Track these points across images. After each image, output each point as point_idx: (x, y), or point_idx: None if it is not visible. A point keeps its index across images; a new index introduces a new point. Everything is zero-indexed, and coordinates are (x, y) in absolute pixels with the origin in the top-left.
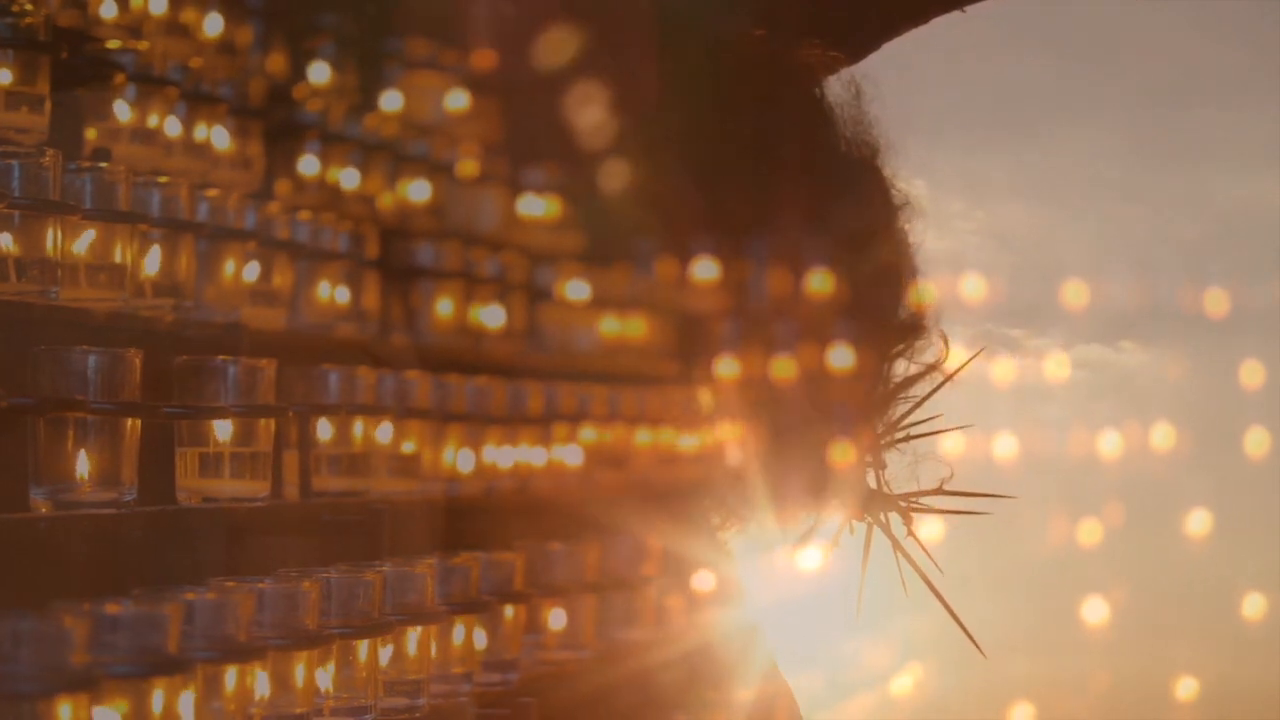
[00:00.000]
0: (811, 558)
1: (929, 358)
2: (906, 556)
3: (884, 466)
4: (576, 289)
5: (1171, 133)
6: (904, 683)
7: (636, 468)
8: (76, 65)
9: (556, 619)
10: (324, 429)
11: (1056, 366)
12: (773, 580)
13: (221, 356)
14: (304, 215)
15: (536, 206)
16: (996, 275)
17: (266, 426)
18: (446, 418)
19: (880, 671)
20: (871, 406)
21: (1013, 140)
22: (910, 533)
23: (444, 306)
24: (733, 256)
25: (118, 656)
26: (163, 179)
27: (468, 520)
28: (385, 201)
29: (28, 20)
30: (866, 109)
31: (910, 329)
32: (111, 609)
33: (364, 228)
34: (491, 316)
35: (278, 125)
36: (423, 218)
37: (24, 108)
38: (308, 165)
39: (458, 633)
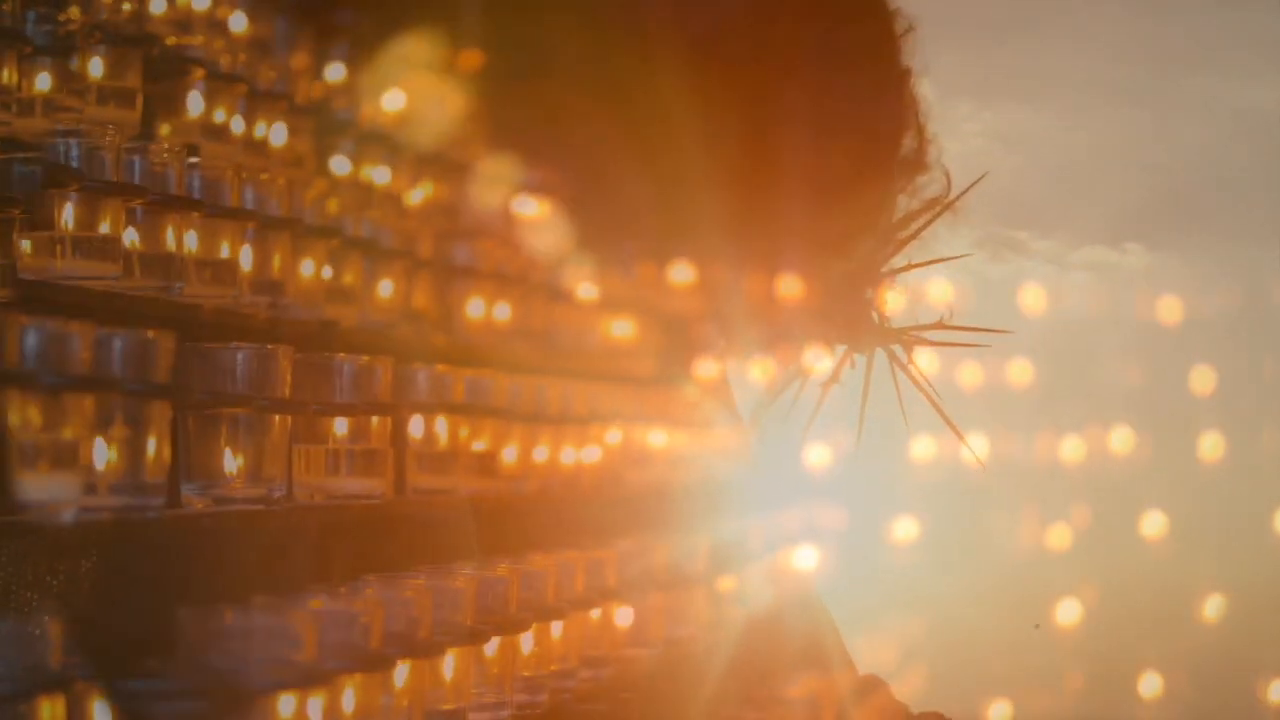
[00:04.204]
0: (806, 557)
1: (930, 194)
2: (911, 377)
3: (884, 302)
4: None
5: (1178, 36)
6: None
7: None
8: (151, 61)
9: (624, 616)
10: (420, 427)
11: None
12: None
13: (340, 354)
14: (373, 214)
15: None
16: (1002, 177)
17: (382, 424)
18: (530, 417)
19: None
20: (873, 241)
21: (1020, 43)
22: (910, 361)
23: (475, 305)
24: (734, 91)
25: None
26: (264, 176)
27: (555, 517)
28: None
29: (118, 16)
30: None
31: (912, 165)
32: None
33: (418, 227)
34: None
35: (321, 122)
36: (441, 218)
37: (112, 103)
38: (340, 164)
39: (555, 630)
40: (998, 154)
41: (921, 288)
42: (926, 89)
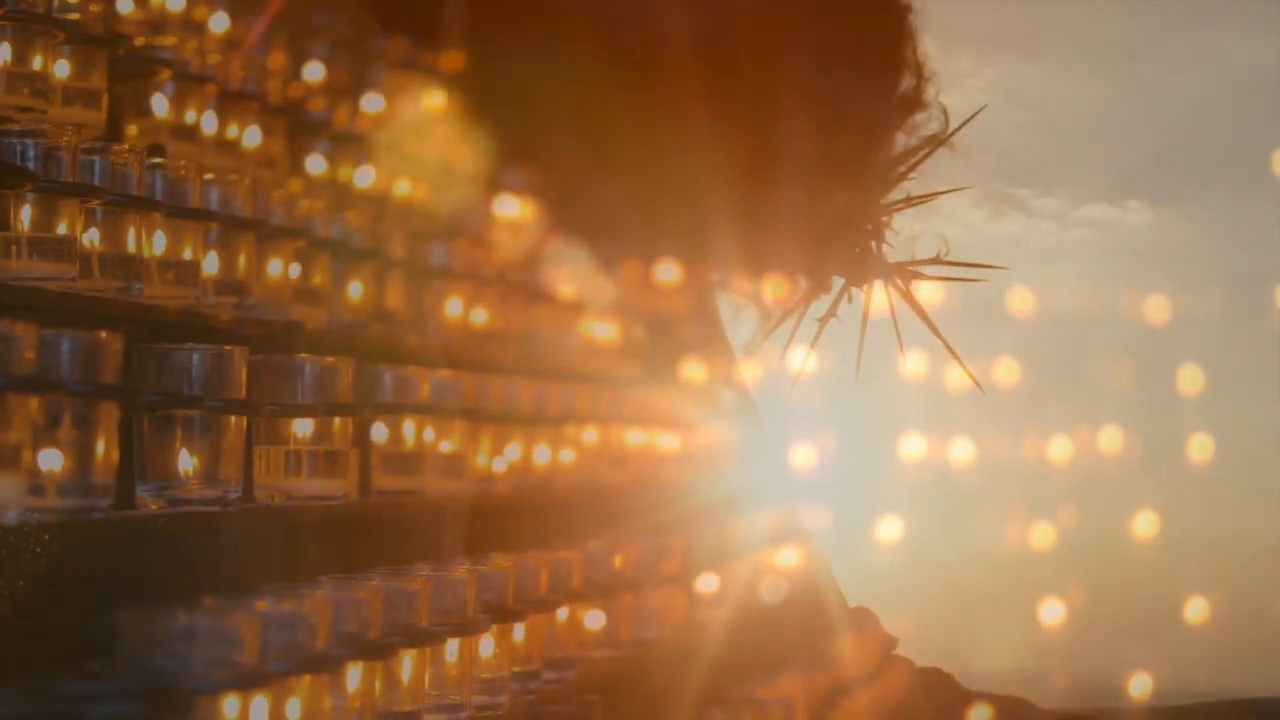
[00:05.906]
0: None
1: (928, 130)
2: (910, 302)
3: (883, 237)
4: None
5: None
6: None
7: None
8: (119, 62)
9: (592, 618)
10: (383, 428)
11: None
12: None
13: (301, 355)
14: (348, 215)
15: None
16: (1004, 133)
17: (344, 425)
18: (499, 418)
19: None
20: (872, 177)
21: None
22: (909, 294)
23: (453, 306)
24: (732, 28)
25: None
26: (231, 176)
27: (522, 519)
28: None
29: (86, 16)
30: None
31: (910, 102)
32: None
33: (391, 228)
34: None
35: (298, 124)
36: (417, 218)
37: (78, 103)
38: (317, 164)
39: (517, 631)
40: (1000, 109)
41: (919, 225)
42: (928, 42)
